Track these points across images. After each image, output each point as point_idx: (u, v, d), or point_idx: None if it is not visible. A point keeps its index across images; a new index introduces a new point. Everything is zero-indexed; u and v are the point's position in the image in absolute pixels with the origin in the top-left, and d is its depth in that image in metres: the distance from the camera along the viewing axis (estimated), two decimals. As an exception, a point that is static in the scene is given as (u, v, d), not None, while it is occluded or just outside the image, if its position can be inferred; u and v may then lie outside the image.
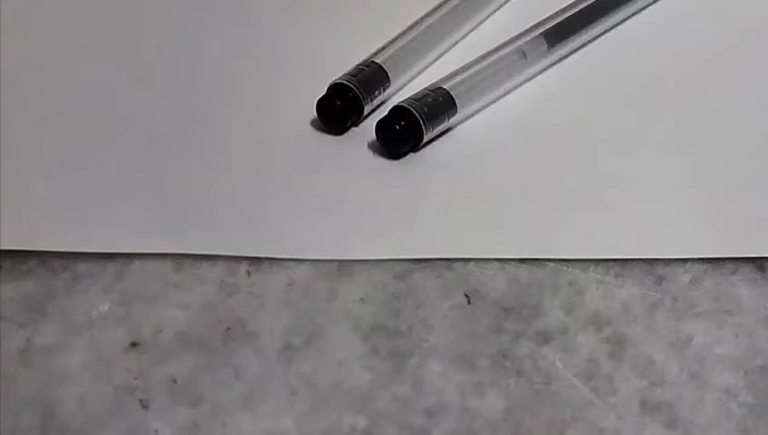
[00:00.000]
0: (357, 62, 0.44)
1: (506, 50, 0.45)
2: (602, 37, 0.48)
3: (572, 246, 0.39)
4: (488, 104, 0.44)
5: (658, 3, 0.49)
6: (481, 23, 0.48)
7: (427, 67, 0.46)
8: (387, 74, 0.44)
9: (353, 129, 0.44)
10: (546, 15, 0.46)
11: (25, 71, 0.46)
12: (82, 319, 0.37)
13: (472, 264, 0.38)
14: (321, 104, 0.43)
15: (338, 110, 0.43)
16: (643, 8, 0.49)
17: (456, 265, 0.38)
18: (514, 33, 0.46)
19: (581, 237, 0.39)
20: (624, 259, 0.38)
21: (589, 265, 0.38)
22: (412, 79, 0.45)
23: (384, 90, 0.44)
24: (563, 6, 0.47)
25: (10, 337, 0.36)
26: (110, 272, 0.38)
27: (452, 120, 0.43)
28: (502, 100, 0.45)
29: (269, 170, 0.42)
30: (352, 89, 0.43)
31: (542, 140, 0.43)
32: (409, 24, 0.46)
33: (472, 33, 0.48)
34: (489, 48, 0.45)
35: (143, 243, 0.39)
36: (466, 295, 0.37)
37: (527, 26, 0.46)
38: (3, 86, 0.45)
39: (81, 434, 0.33)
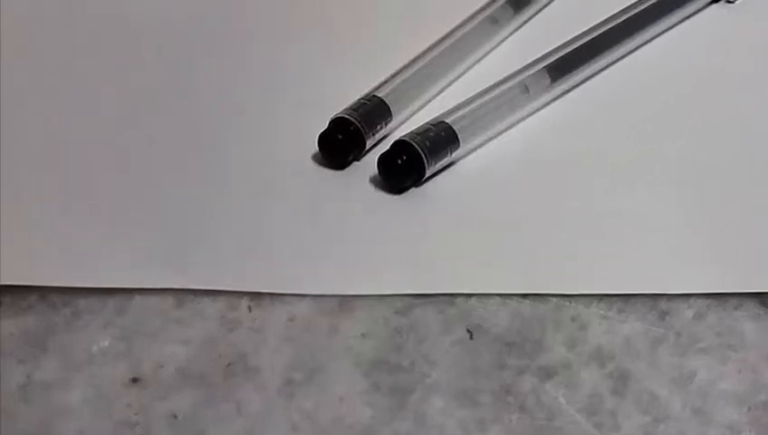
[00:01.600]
0: (359, 97, 0.45)
1: (509, 84, 0.46)
2: (605, 72, 0.48)
3: (575, 282, 0.39)
4: (491, 138, 0.45)
5: (660, 38, 0.50)
6: (483, 57, 0.49)
7: (429, 101, 0.46)
8: (389, 108, 0.45)
9: (355, 163, 0.44)
10: (549, 50, 0.47)
11: (25, 102, 0.47)
12: (83, 355, 0.37)
13: (474, 299, 0.39)
14: (323, 138, 0.44)
15: (340, 144, 0.44)
16: (645, 43, 0.50)
17: (458, 300, 0.39)
18: (517, 68, 0.46)
19: (584, 272, 0.40)
20: (627, 294, 0.39)
21: (592, 300, 0.39)
22: (414, 113, 0.46)
23: (386, 124, 0.45)
24: (566, 41, 0.48)
25: (10, 373, 0.36)
26: (110, 307, 0.39)
27: (454, 155, 0.44)
28: (504, 134, 0.45)
29: (270, 205, 0.42)
30: (354, 123, 0.44)
31: (545, 174, 0.44)
32: (411, 57, 0.47)
33: (474, 67, 0.48)
34: (491, 82, 0.46)
35: (144, 278, 0.39)
36: (469, 331, 0.38)
37: (530, 60, 0.47)
38: (3, 117, 0.46)
39: (82, 470, 0.34)
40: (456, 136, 0.43)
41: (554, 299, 0.39)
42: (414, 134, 0.43)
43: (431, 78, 0.47)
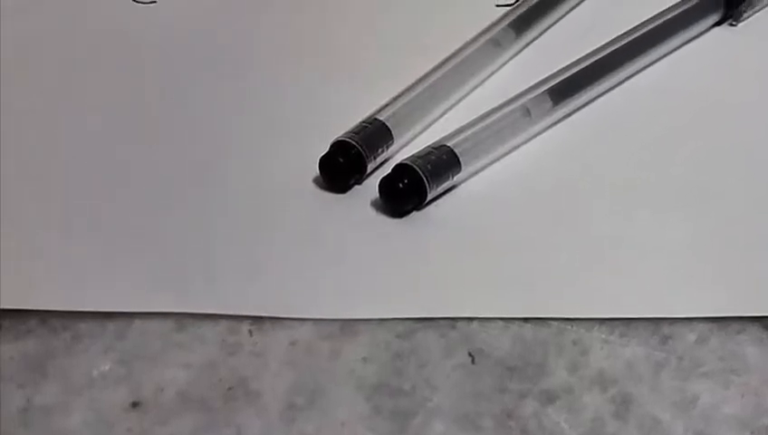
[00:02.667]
0: (360, 120, 0.45)
1: (510, 107, 0.46)
2: (607, 94, 0.49)
3: (577, 305, 0.40)
4: (492, 162, 0.45)
5: (663, 60, 0.50)
6: (485, 80, 0.49)
7: (430, 124, 0.47)
8: (390, 132, 0.45)
9: (356, 187, 0.44)
10: (551, 73, 0.47)
11: (24, 127, 0.47)
12: (83, 379, 0.37)
13: (476, 323, 0.39)
14: (324, 162, 0.44)
15: (341, 167, 0.44)
16: (648, 66, 0.50)
17: (460, 324, 0.39)
18: (519, 91, 0.47)
19: (586, 296, 0.40)
20: (629, 318, 0.39)
21: (593, 324, 0.39)
22: (416, 136, 0.46)
23: (387, 147, 0.45)
24: (568, 64, 0.48)
25: (10, 397, 0.37)
26: (110, 331, 0.39)
27: (456, 178, 0.44)
28: (506, 157, 0.46)
29: (271, 229, 0.43)
30: (355, 146, 0.44)
31: (547, 197, 0.44)
32: (413, 80, 0.47)
33: (476, 91, 0.49)
34: (493, 105, 0.46)
35: (144, 302, 0.40)
36: (470, 355, 0.38)
37: (531, 84, 0.47)
38: (2, 142, 0.46)
39: (82, 495, 0.34)
40: (458, 159, 0.44)
41: (556, 323, 0.39)
42: (415, 157, 0.43)
43: (433, 101, 0.47)
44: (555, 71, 0.48)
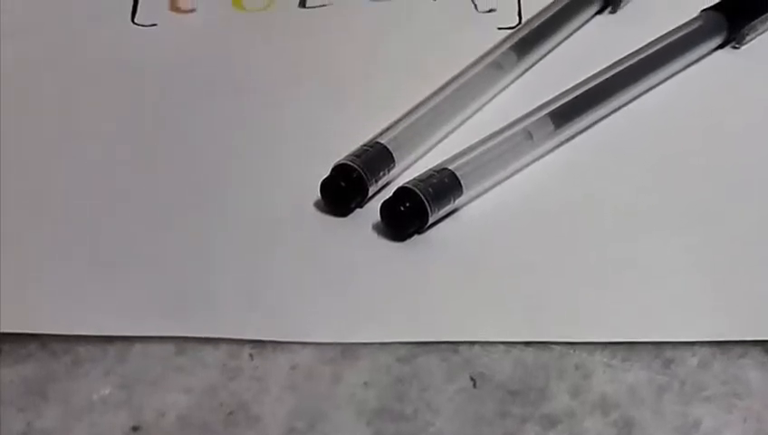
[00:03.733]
0: (361, 143, 0.45)
1: (512, 130, 0.46)
2: (609, 118, 0.49)
3: (579, 329, 0.40)
4: (494, 185, 0.45)
5: (665, 83, 0.51)
6: (486, 103, 0.49)
7: (432, 148, 0.47)
8: (391, 155, 0.45)
9: (357, 210, 0.45)
10: (552, 96, 0.48)
11: (24, 151, 0.48)
12: (83, 403, 0.38)
13: (477, 347, 0.39)
14: (326, 185, 0.44)
15: (342, 191, 0.44)
16: (650, 89, 0.50)
17: (462, 348, 0.39)
18: (520, 114, 0.47)
19: (588, 320, 0.40)
20: (631, 342, 0.39)
21: (595, 348, 0.39)
22: (417, 159, 0.46)
23: (389, 171, 0.45)
24: (570, 87, 0.48)
25: (10, 421, 0.37)
26: (111, 355, 0.39)
27: (457, 202, 0.44)
28: (508, 181, 0.46)
29: (272, 252, 0.43)
30: (357, 170, 0.44)
31: (548, 221, 0.44)
32: (414, 103, 0.47)
33: (477, 114, 0.49)
34: (495, 128, 0.46)
35: (144, 326, 0.40)
36: (472, 379, 0.39)
37: (533, 107, 0.47)
38: (2, 167, 0.47)
39: None
40: (460, 183, 0.44)
41: (558, 347, 0.39)
42: (417, 181, 0.44)
43: (434, 124, 0.47)
44: (557, 94, 0.48)
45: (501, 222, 0.44)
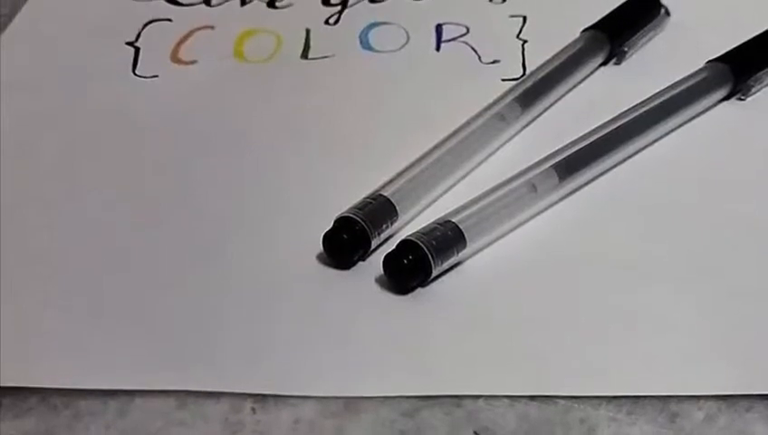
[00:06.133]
0: (364, 195, 0.46)
1: (516, 183, 0.47)
2: (614, 170, 0.49)
3: (583, 383, 0.40)
4: (498, 238, 0.46)
5: (670, 135, 0.51)
6: (490, 155, 0.50)
7: (435, 200, 0.48)
8: (394, 207, 0.46)
9: (360, 263, 0.45)
10: (557, 148, 0.48)
11: (25, 203, 0.49)
12: (84, 457, 0.38)
13: (481, 401, 0.40)
14: (328, 238, 0.45)
15: (345, 244, 0.45)
16: (655, 141, 0.51)
17: (466, 401, 0.40)
18: (524, 166, 0.47)
19: (593, 373, 0.41)
20: (636, 396, 0.40)
21: (600, 401, 0.40)
22: (420, 212, 0.47)
23: (392, 223, 0.46)
24: (574, 139, 0.49)
25: (11, 476, 0.38)
26: (111, 409, 0.40)
27: (461, 255, 0.45)
28: (512, 233, 0.46)
29: (274, 305, 0.44)
30: (359, 222, 0.45)
31: (553, 274, 0.45)
32: (418, 156, 0.48)
33: (481, 166, 0.50)
34: (499, 181, 0.47)
35: (145, 380, 0.41)
36: (476, 433, 0.39)
37: (537, 159, 0.48)
38: (2, 218, 0.48)
39: None
40: (463, 235, 0.44)
41: (562, 401, 0.40)
42: (420, 234, 0.44)
43: (438, 176, 0.48)
44: (561, 146, 0.48)
45: (505, 275, 0.45)
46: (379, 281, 0.44)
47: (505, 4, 0.61)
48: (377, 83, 0.56)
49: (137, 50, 0.58)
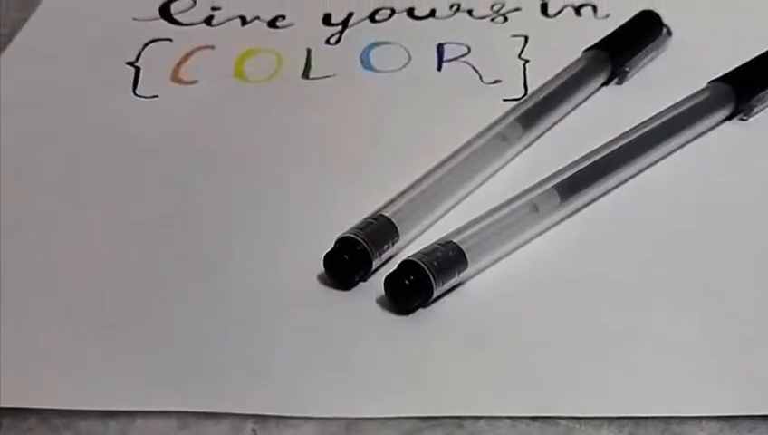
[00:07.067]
0: (365, 216, 0.46)
1: (518, 203, 0.47)
2: (616, 190, 0.50)
3: (585, 404, 0.41)
4: (500, 258, 0.46)
5: (672, 155, 0.51)
6: (492, 175, 0.50)
7: (436, 220, 0.48)
8: (396, 228, 0.46)
9: (361, 283, 0.45)
10: (558, 168, 0.49)
11: (25, 221, 0.49)
12: (84, 478, 0.39)
13: (483, 421, 0.40)
14: (329, 258, 0.45)
15: (346, 264, 0.45)
16: (657, 161, 0.51)
17: (467, 422, 0.40)
18: (526, 186, 0.48)
19: (594, 394, 0.41)
20: (638, 417, 0.40)
21: (602, 422, 0.40)
22: (422, 232, 0.47)
23: (393, 244, 0.46)
24: (576, 159, 0.49)
25: (11, 497, 0.38)
26: (112, 430, 0.40)
27: (462, 275, 0.45)
28: (513, 254, 0.46)
29: (275, 326, 0.44)
30: (360, 243, 0.45)
31: (554, 294, 0.45)
32: (419, 176, 0.48)
33: (482, 186, 0.50)
34: (500, 201, 0.47)
35: (146, 400, 0.41)
36: (477, 454, 0.39)
37: (539, 179, 0.48)
38: (2, 239, 0.48)
39: None
40: (465, 256, 0.45)
41: (564, 422, 0.40)
42: (421, 254, 0.44)
43: (439, 197, 0.48)
44: (563, 166, 0.49)
45: (506, 295, 0.45)
46: (380, 301, 0.45)
47: (507, 23, 0.62)
48: (378, 103, 0.56)
49: (137, 70, 0.58)
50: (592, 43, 0.57)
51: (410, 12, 0.63)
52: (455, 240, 0.45)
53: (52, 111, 0.56)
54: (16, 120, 0.55)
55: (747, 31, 0.59)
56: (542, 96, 0.54)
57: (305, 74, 0.58)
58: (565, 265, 0.47)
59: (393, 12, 0.63)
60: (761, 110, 0.54)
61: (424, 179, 0.48)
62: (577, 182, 0.48)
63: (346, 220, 0.46)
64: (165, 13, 0.63)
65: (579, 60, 0.56)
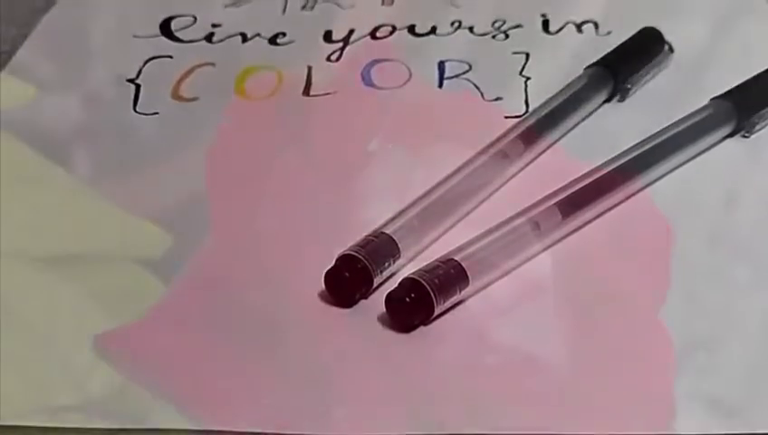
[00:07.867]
0: (366, 233, 0.46)
1: (519, 220, 0.47)
2: (617, 207, 0.49)
3: (587, 421, 0.41)
4: (501, 276, 0.46)
5: (674, 173, 0.52)
6: (493, 193, 0.50)
7: (438, 238, 0.48)
8: (397, 245, 0.46)
9: (362, 301, 0.45)
10: (560, 185, 0.49)
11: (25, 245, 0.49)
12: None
13: (484, 439, 0.40)
14: (330, 276, 0.45)
15: (346, 282, 0.45)
16: (658, 178, 0.51)
17: (468, 441, 0.40)
18: (527, 204, 0.48)
19: (596, 412, 0.41)
20: (640, 435, 0.40)
21: (604, 441, 0.40)
22: (423, 250, 0.47)
23: (394, 261, 0.46)
24: (577, 176, 0.49)
25: None
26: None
27: (464, 293, 0.45)
28: (515, 271, 0.47)
29: (274, 344, 0.44)
30: (361, 260, 0.45)
31: (556, 312, 0.45)
32: (420, 194, 0.48)
33: (484, 204, 0.50)
34: (501, 219, 0.47)
35: (144, 419, 0.41)
36: (478, 472, 0.39)
37: (540, 196, 0.48)
38: (2, 254, 0.48)
39: None
40: (466, 273, 0.45)
41: (565, 439, 0.40)
42: (422, 272, 0.44)
43: (440, 214, 0.48)
44: (564, 183, 0.49)
45: (508, 313, 0.45)
46: (380, 319, 0.45)
47: (508, 40, 0.62)
48: (378, 120, 0.56)
49: (137, 87, 0.59)
50: (594, 60, 0.57)
51: (411, 29, 0.63)
52: (456, 258, 0.45)
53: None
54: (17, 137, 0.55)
55: (749, 48, 0.59)
56: (543, 113, 0.54)
57: (306, 91, 0.58)
58: (567, 283, 0.47)
59: (394, 29, 0.63)
60: (763, 127, 0.54)
61: (425, 197, 0.48)
62: (578, 200, 0.48)
63: (346, 238, 0.46)
64: (165, 30, 0.64)
65: (580, 77, 0.56)
